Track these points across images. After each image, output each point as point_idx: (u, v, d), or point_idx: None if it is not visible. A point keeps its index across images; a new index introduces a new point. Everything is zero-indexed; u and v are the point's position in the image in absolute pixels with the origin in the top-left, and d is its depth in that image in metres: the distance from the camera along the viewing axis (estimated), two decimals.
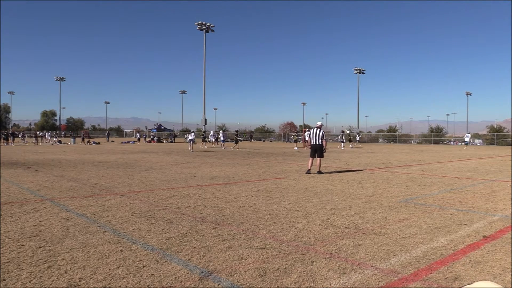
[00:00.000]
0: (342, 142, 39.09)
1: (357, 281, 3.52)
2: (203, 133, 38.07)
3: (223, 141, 36.51)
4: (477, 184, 10.28)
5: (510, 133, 62.36)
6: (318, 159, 12.80)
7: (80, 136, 52.11)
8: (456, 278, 3.61)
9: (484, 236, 5.04)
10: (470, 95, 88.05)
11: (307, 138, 36.20)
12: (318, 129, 13.04)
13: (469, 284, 1.25)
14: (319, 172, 12.58)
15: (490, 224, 5.71)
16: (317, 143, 12.94)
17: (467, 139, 44.49)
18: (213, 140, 38.49)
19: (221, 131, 45.60)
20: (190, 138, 28.65)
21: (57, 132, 57.56)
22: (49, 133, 51.40)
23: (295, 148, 35.37)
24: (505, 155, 26.55)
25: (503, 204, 7.34)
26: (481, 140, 64.17)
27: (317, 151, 12.90)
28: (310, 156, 12.98)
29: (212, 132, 43.13)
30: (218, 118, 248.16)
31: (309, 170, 12.69)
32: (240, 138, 67.38)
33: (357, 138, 49.56)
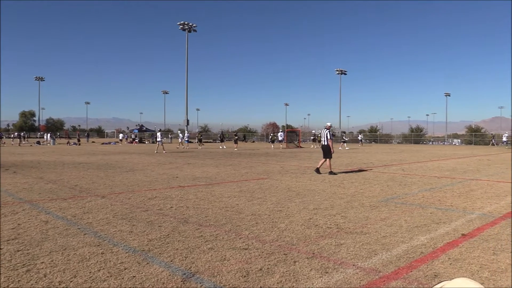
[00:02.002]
0: (344, 142, 39.81)
1: (339, 280, 3.55)
2: (199, 134, 37.32)
3: (188, 141, 37.11)
4: (455, 183, 10.47)
5: (487, 133, 63.82)
6: (327, 160, 12.90)
7: (75, 137, 51.27)
8: (435, 275, 3.67)
9: (463, 234, 5.15)
10: (449, 96, 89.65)
11: (280, 138, 37.09)
12: (326, 130, 13.15)
13: (447, 280, 1.28)
14: (331, 173, 12.66)
15: (468, 222, 5.83)
16: (324, 143, 13.09)
17: (505, 138, 42.09)
18: (181, 140, 37.20)
19: (185, 131, 44.73)
20: (159, 139, 27.68)
21: (56, 133, 56.28)
22: (49, 135, 50.38)
23: (271, 147, 35.53)
24: (483, 154, 27.14)
25: (480, 203, 7.50)
26: (459, 140, 65.43)
27: (324, 151, 13.05)
28: (323, 157, 13.13)
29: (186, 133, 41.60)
30: (201, 118, 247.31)
31: (317, 168, 12.82)
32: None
33: (359, 138, 49.93)
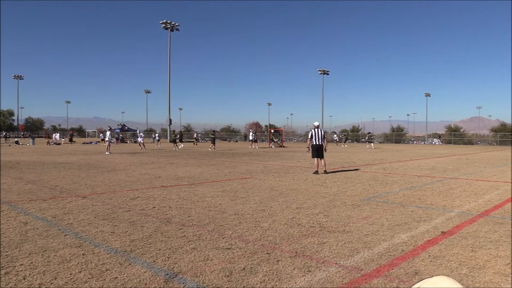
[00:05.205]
0: (371, 142, 40.93)
1: (321, 278, 3.58)
2: (175, 134, 35.85)
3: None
4: (435, 182, 10.65)
5: (466, 132, 65.09)
6: (322, 160, 12.83)
7: (68, 137, 50.20)
8: (416, 273, 3.73)
9: (442, 232, 5.24)
10: (429, 96, 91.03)
11: (250, 138, 37.26)
12: (319, 129, 13.00)
13: (427, 278, 1.30)
14: (325, 172, 12.71)
15: (448, 220, 5.94)
16: (319, 143, 12.90)
17: None
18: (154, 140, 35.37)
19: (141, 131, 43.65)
20: (107, 139, 26.67)
21: (66, 132, 55.02)
22: (58, 134, 51.44)
23: (252, 147, 35.30)
24: (462, 153, 27.66)
25: (459, 201, 7.64)
26: (439, 140, 66.51)
27: (319, 151, 12.91)
28: (313, 157, 12.95)
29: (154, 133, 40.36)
30: (183, 118, 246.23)
31: (316, 171, 12.71)
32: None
33: (336, 138, 50.80)
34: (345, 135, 47.23)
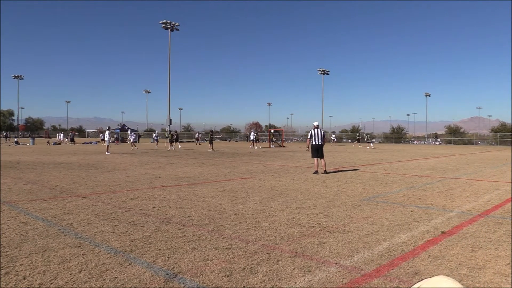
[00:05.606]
0: (371, 142, 41.47)
1: (321, 278, 3.58)
2: (171, 135, 35.30)
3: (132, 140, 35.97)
4: (435, 182, 10.65)
5: (466, 132, 65.06)
6: (322, 160, 12.82)
7: (70, 137, 49.69)
8: (416, 273, 3.73)
9: (442, 232, 5.24)
10: (429, 96, 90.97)
11: (251, 138, 37.20)
12: (318, 129, 12.98)
13: (427, 278, 1.30)
14: (326, 172, 12.73)
15: (448, 220, 5.94)
16: (319, 143, 12.88)
17: None
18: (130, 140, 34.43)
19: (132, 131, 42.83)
20: (107, 138, 26.37)
21: (71, 132, 54.50)
22: (62, 134, 52.74)
23: (253, 147, 35.23)
24: (462, 153, 27.65)
25: (459, 201, 7.64)
26: (439, 139, 66.52)
27: (319, 151, 12.89)
28: (313, 157, 12.93)
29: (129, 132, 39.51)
30: (183, 118, 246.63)
31: (316, 171, 12.70)
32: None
33: (332, 138, 51.09)
34: (358, 136, 48.17)
